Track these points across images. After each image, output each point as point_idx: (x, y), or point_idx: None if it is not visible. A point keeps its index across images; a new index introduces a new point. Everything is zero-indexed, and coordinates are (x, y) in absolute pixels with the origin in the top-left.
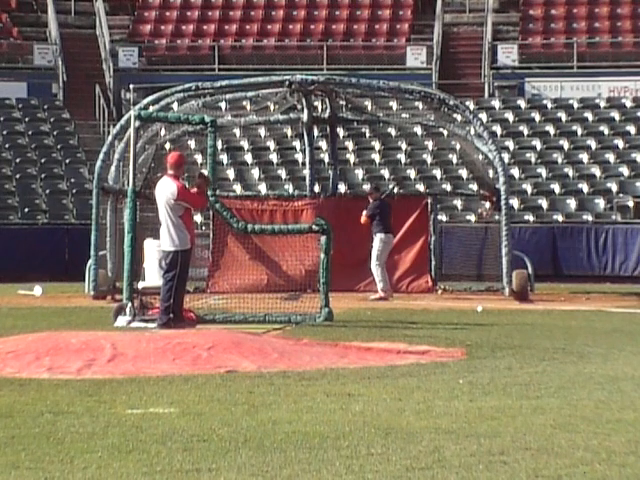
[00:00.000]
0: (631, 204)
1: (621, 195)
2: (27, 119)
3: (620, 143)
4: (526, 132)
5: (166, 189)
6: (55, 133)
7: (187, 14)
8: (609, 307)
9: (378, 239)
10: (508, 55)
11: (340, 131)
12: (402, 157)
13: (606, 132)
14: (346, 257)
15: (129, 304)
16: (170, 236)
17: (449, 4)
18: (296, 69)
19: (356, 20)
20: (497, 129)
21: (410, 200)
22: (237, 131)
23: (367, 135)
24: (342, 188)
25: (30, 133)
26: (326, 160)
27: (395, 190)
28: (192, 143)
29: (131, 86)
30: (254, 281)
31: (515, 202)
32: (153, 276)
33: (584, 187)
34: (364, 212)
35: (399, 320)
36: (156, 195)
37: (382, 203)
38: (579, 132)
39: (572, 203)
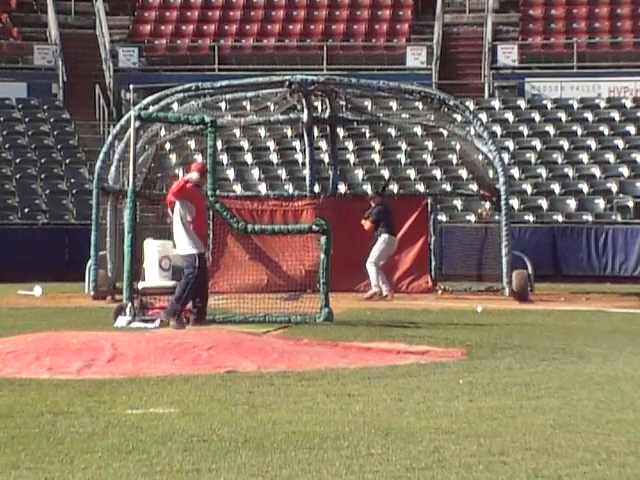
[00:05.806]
0: (631, 204)
1: (621, 195)
2: (27, 119)
3: (620, 143)
4: (526, 132)
5: None
6: (55, 133)
7: (187, 14)
8: (609, 307)
9: (382, 239)
10: (508, 55)
11: (340, 131)
12: (402, 157)
13: (606, 132)
14: (346, 257)
15: (129, 304)
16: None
17: (449, 4)
18: (296, 69)
19: (356, 20)
20: (497, 129)
21: (410, 200)
22: (237, 131)
23: (367, 135)
24: (342, 188)
25: (30, 133)
26: (326, 160)
27: (388, 187)
28: (192, 143)
29: (131, 86)
30: (254, 281)
31: (515, 202)
32: (153, 276)
33: (584, 187)
34: (369, 218)
35: (399, 320)
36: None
37: (385, 207)
38: (579, 132)
39: (572, 203)
